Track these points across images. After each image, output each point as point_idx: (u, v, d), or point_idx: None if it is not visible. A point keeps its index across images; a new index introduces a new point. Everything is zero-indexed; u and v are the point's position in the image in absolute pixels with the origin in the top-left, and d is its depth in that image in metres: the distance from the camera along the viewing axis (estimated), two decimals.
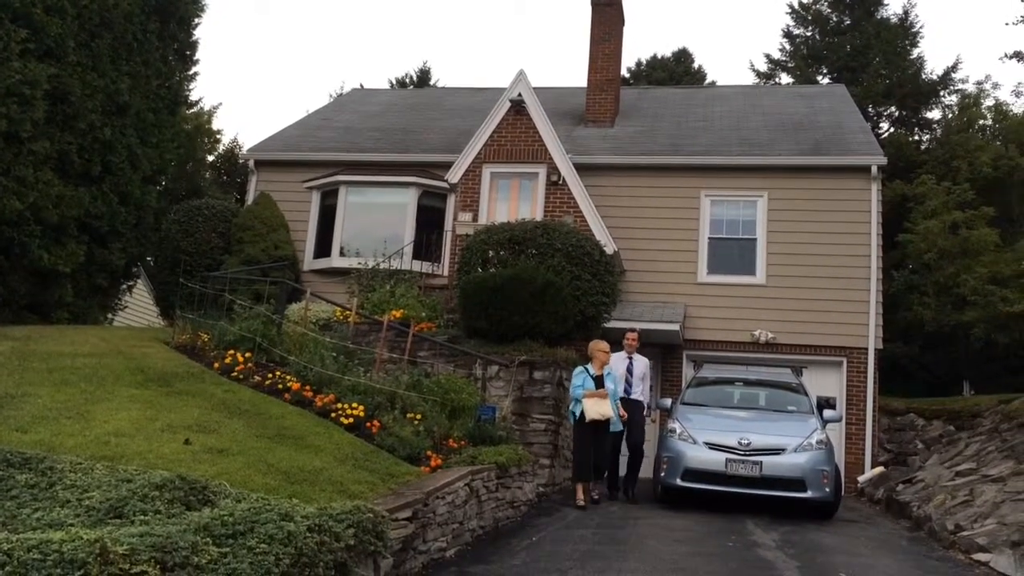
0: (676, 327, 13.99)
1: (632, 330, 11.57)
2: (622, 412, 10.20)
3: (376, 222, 15.57)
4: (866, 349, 14.45)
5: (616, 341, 12.32)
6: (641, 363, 11.14)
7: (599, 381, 9.72)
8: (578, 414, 9.60)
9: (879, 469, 13.31)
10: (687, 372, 14.41)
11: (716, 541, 8.12)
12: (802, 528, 9.10)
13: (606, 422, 9.71)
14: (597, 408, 9.48)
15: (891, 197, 25.10)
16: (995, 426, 12.44)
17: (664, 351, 14.95)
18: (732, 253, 15.29)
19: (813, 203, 15.10)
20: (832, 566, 7.24)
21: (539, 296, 11.24)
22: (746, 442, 9.70)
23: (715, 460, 9.69)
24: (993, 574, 7.46)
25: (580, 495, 9.56)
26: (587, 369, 9.77)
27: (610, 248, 13.73)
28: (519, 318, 11.20)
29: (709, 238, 15.38)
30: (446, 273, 14.90)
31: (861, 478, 13.44)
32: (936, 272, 23.44)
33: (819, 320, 14.61)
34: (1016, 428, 11.64)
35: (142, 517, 4.83)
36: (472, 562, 6.78)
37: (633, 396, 10.81)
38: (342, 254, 15.62)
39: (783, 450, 9.69)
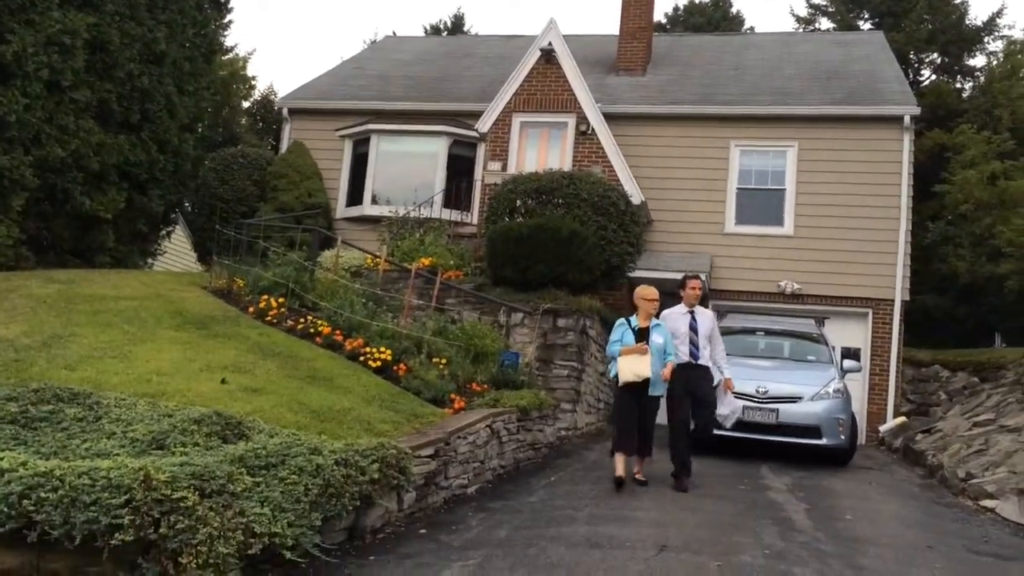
0: (702, 277, 14.11)
1: (695, 276, 8.68)
2: (665, 373, 7.72)
3: (407, 171, 15.79)
4: (892, 301, 14.50)
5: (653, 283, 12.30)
6: (707, 318, 8.42)
7: (643, 335, 7.77)
8: (613, 375, 7.85)
9: (900, 419, 13.47)
10: None
11: (729, 484, 8.40)
12: (815, 474, 9.35)
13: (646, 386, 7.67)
14: (632, 367, 7.57)
15: (929, 147, 24.79)
16: (1018, 378, 12.54)
17: None
18: (760, 204, 15.32)
19: (844, 153, 15.03)
20: (839, 509, 7.50)
21: (564, 245, 11.45)
22: (763, 390, 9.93)
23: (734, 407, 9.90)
24: (998, 520, 7.68)
25: (618, 467, 7.63)
26: (629, 321, 7.92)
27: (637, 198, 13.85)
28: (544, 267, 11.43)
29: (737, 188, 15.41)
30: (475, 222, 15.14)
31: (882, 428, 13.62)
32: (972, 223, 23.21)
33: (846, 271, 14.65)
34: None
35: (182, 449, 5.21)
36: (491, 498, 7.14)
37: (701, 361, 8.13)
38: (374, 202, 15.89)
39: (800, 398, 9.90)
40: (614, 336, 7.94)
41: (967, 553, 6.33)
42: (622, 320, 8.03)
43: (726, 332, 12.00)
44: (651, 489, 7.80)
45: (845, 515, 7.27)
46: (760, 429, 9.85)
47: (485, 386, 9.04)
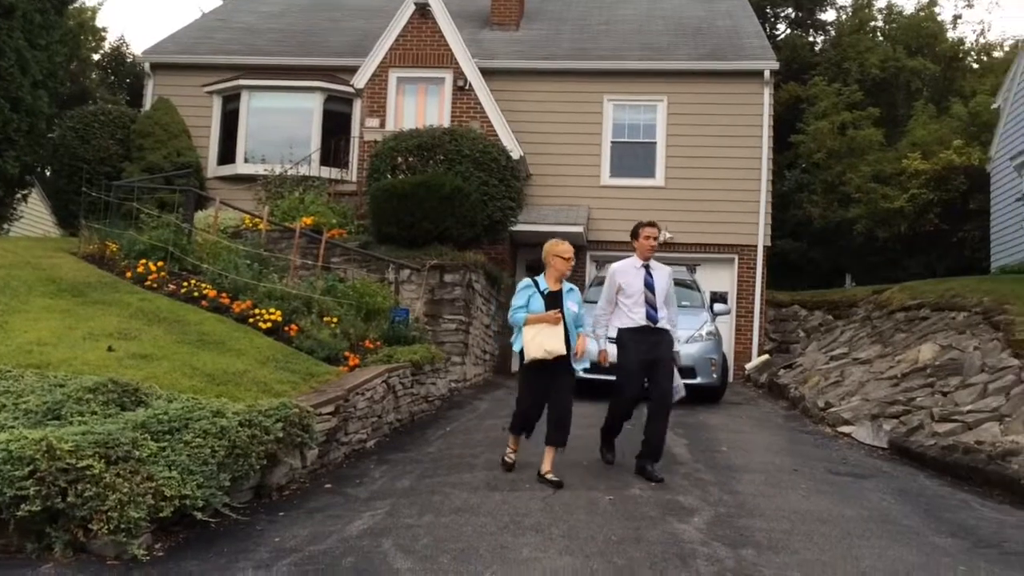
0: (580, 229, 14.58)
1: (651, 224, 7.04)
2: (578, 347, 6.37)
3: (281, 128, 15.46)
4: (756, 246, 15.38)
5: (528, 245, 12.57)
6: (664, 275, 6.93)
7: (554, 300, 6.31)
8: (518, 349, 6.36)
9: (764, 356, 14.41)
10: (590, 272, 15.08)
11: None
12: (692, 411, 9.97)
13: (562, 362, 6.24)
14: (543, 341, 6.15)
15: (786, 99, 26.09)
16: (868, 314, 13.61)
17: None
18: (633, 156, 15.85)
19: (710, 107, 15.69)
20: (715, 442, 8.09)
21: (448, 202, 11.59)
22: None
23: (613, 352, 10.39)
24: (854, 443, 8.47)
25: (510, 450, 6.58)
26: (536, 283, 6.43)
27: (516, 153, 14.09)
28: (429, 223, 11.55)
29: (612, 142, 15.88)
30: (355, 179, 15.03)
31: (748, 365, 14.52)
32: (824, 171, 24.74)
33: (714, 220, 15.42)
34: (885, 316, 12.80)
35: (80, 418, 5.15)
36: (391, 451, 7.34)
37: (660, 324, 6.76)
38: (247, 160, 15.51)
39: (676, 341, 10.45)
40: (518, 301, 6.38)
41: (828, 474, 6.99)
42: (528, 282, 6.47)
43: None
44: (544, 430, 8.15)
45: (721, 447, 7.85)
46: None
47: (378, 343, 9.16)
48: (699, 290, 12.40)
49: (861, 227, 23.25)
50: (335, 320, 9.06)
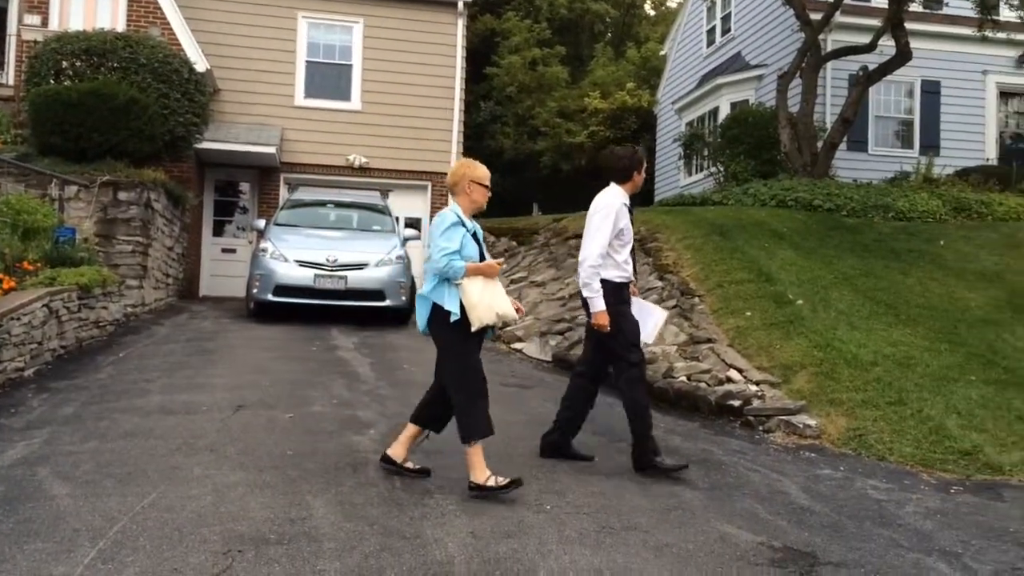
0: (273, 150, 14.19)
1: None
2: (519, 305, 4.89)
3: None
4: (448, 174, 15.88)
5: (217, 164, 11.90)
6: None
7: (476, 241, 4.76)
8: (457, 312, 4.55)
9: None
10: (284, 195, 14.78)
11: (302, 347, 8.95)
12: (380, 333, 10.30)
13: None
14: (494, 301, 4.61)
15: (481, 31, 26.82)
16: (547, 241, 14.70)
17: (261, 174, 15.14)
18: (329, 78, 15.61)
19: (406, 33, 15.80)
20: (399, 361, 8.46)
21: (122, 113, 10.73)
22: (333, 259, 10.55)
23: (305, 276, 10.43)
24: (525, 358, 9.27)
25: (492, 477, 4.46)
26: (460, 218, 4.69)
27: (202, 66, 13.30)
28: (100, 136, 10.64)
29: (307, 61, 15.50)
30: (12, 83, 13.37)
31: None
32: (516, 105, 25.95)
33: (408, 147, 15.70)
34: (561, 242, 13.91)
35: None
36: (54, 379, 6.86)
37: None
38: None
39: (366, 265, 10.70)
40: (449, 242, 4.55)
41: (499, 386, 7.57)
42: (454, 216, 4.67)
43: (299, 205, 12.43)
44: (229, 354, 8.04)
45: (403, 365, 8.23)
46: (331, 295, 10.51)
47: (38, 264, 8.38)
48: (390, 215, 12.68)
49: (548, 160, 24.82)
50: None
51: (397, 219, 13.53)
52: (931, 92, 17.38)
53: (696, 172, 19.45)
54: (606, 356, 5.39)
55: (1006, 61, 17.60)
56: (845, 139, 15.28)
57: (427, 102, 15.75)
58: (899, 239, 11.08)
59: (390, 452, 4.81)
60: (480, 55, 25.35)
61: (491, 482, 4.42)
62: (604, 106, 24.25)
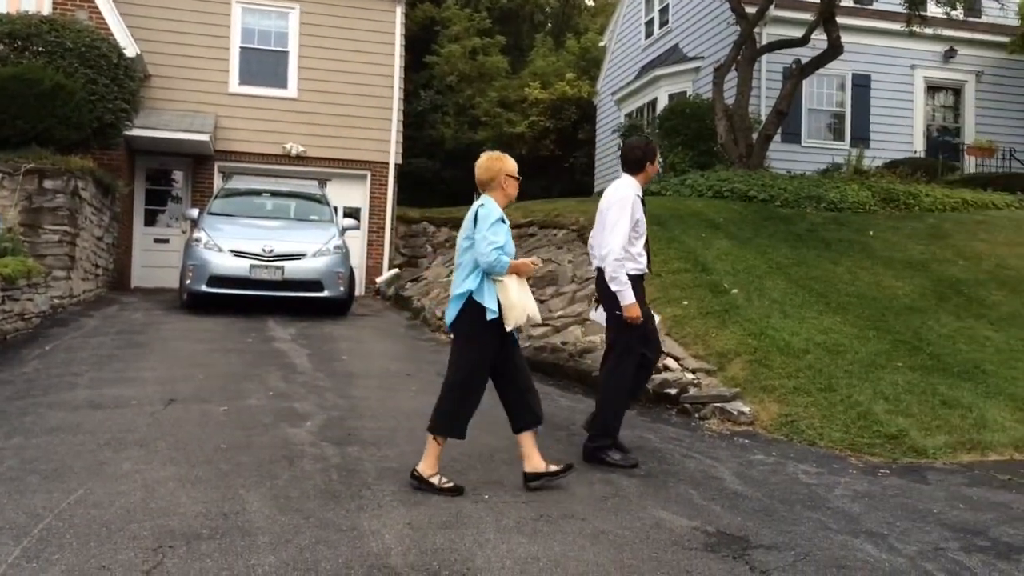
0: (206, 138, 13.88)
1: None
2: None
3: None
4: (388, 164, 15.77)
5: (148, 152, 11.48)
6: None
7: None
8: (496, 310, 4.40)
9: (394, 271, 15.00)
10: (218, 183, 14.48)
11: (237, 339, 8.80)
12: (318, 324, 10.18)
13: None
14: (526, 301, 4.53)
15: (421, 19, 26.65)
16: None
17: (195, 162, 14.82)
18: (265, 65, 15.31)
19: (344, 20, 15.58)
20: (337, 352, 8.37)
21: (48, 99, 10.37)
22: (269, 249, 10.37)
23: (240, 266, 10.24)
24: None
25: (435, 471, 4.42)
26: (502, 214, 4.58)
27: (132, 51, 12.93)
28: (24, 123, 10.26)
29: (241, 47, 15.17)
30: None
31: (379, 279, 15.03)
32: (457, 94, 25.86)
33: (347, 136, 15.50)
34: None
35: None
36: None
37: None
38: None
39: (303, 255, 10.55)
40: (496, 236, 4.40)
41: (438, 376, 7.47)
42: (500, 211, 4.55)
43: (234, 194, 12.20)
44: (162, 346, 7.86)
45: (342, 356, 8.15)
46: (267, 286, 10.34)
47: None
48: (328, 204, 12.53)
49: (489, 149, 24.76)
50: None
51: (336, 209, 13.39)
52: (862, 86, 17.81)
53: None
54: (610, 339, 5.34)
55: (933, 56, 18.13)
56: (779, 131, 15.58)
57: (366, 90, 15.57)
58: (830, 229, 11.34)
59: (526, 469, 4.52)
60: (420, 43, 25.19)
61: (435, 480, 4.37)
62: (544, 96, 24.31)
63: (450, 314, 4.57)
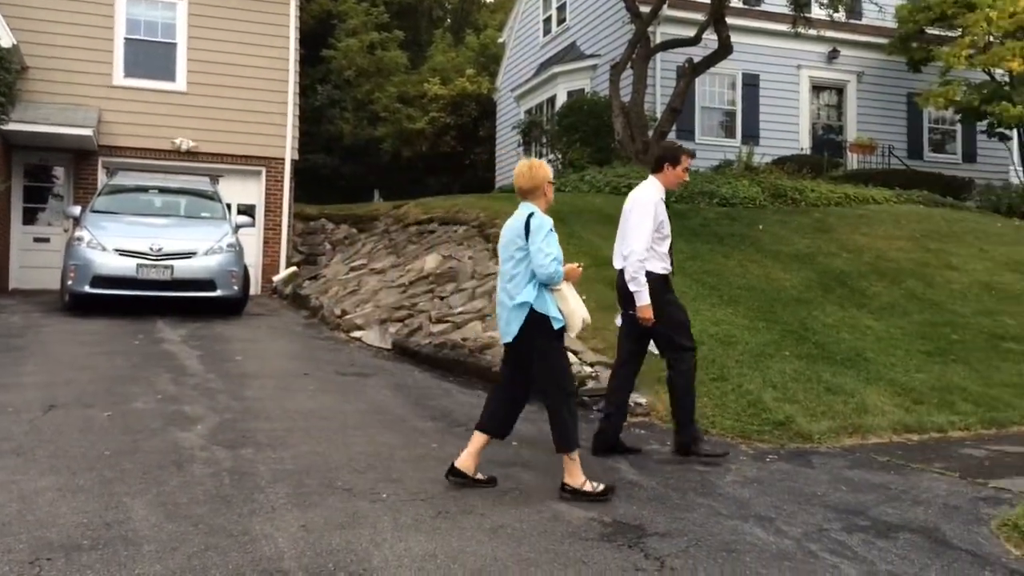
0: (89, 132, 13.27)
1: (692, 153, 6.32)
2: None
3: None
4: (284, 160, 15.41)
5: (27, 147, 11.01)
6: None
7: None
8: (561, 319, 4.57)
9: (291, 269, 14.69)
10: (103, 180, 13.87)
11: (124, 341, 8.45)
12: (210, 324, 9.88)
13: None
14: (580, 307, 4.67)
15: (317, 12, 26.19)
16: (387, 228, 14.55)
17: (78, 158, 14.15)
18: (152, 57, 14.72)
19: (235, 12, 15.12)
20: (230, 352, 8.14)
21: None
22: (158, 248, 10.01)
23: (126, 266, 9.85)
24: (364, 346, 9.13)
25: (589, 484, 4.47)
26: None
27: (7, 41, 12.25)
28: None
29: (126, 39, 14.55)
30: None
31: (276, 278, 14.69)
32: (355, 89, 25.53)
33: (240, 131, 15.06)
34: (401, 229, 13.81)
35: None
36: None
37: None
38: None
39: (194, 254, 10.22)
40: (551, 247, 4.48)
41: (336, 375, 7.47)
42: (550, 220, 4.59)
43: (119, 190, 11.73)
44: (42, 350, 7.48)
45: (235, 357, 7.93)
46: (156, 286, 9.97)
47: None
48: (220, 201, 12.19)
49: (388, 145, 24.56)
50: None
51: (229, 206, 13.01)
52: (751, 85, 18.41)
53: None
54: (661, 346, 5.45)
55: (818, 56, 18.89)
56: (674, 128, 15.94)
57: (260, 84, 15.16)
58: (723, 224, 11.68)
59: (457, 464, 4.53)
60: (317, 37, 24.74)
61: (588, 487, 4.41)
62: (444, 92, 24.23)
63: (512, 328, 4.54)
